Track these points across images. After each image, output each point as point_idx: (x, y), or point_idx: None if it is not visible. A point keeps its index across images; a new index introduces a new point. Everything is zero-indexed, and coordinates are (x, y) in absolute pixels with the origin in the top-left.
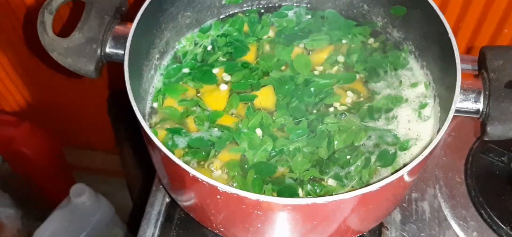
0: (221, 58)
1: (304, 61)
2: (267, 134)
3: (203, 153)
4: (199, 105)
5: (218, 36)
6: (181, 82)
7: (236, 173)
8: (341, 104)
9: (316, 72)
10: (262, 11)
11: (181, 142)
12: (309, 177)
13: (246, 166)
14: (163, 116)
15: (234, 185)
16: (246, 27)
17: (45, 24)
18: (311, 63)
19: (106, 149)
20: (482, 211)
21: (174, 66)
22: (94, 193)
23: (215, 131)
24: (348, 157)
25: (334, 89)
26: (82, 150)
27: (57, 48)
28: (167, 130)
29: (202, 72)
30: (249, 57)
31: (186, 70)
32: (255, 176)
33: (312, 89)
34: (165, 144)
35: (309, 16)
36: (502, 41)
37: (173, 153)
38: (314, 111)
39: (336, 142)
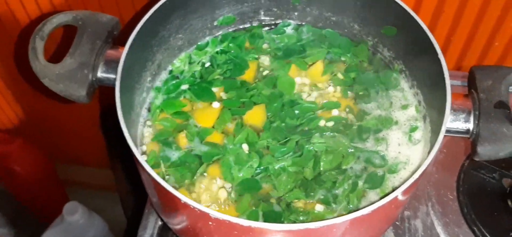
0: (219, 76)
1: (288, 82)
2: (253, 151)
3: (191, 168)
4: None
5: (217, 52)
6: (180, 98)
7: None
8: (328, 121)
9: (304, 94)
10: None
11: (174, 155)
12: (292, 200)
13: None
14: (157, 131)
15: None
16: (247, 44)
17: (37, 50)
18: (294, 85)
19: (99, 165)
20: (475, 228)
21: (173, 82)
22: (88, 211)
23: (203, 147)
24: (335, 180)
25: (317, 115)
26: (74, 166)
27: (48, 75)
28: (159, 141)
29: (201, 89)
30: (248, 75)
31: (184, 86)
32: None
33: (296, 111)
34: (156, 158)
35: (310, 34)
36: (493, 54)
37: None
38: (298, 131)
39: (322, 163)
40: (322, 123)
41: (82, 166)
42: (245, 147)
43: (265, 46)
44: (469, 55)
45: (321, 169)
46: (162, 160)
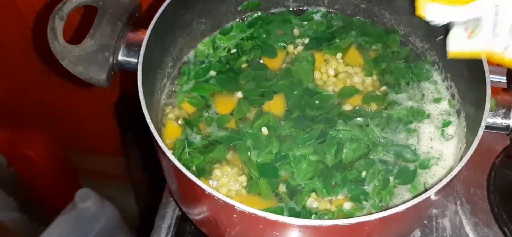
0: (245, 64)
1: (305, 71)
2: (274, 136)
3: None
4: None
5: (242, 39)
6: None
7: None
8: (354, 108)
9: (329, 85)
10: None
11: (196, 139)
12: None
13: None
14: (181, 114)
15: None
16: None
17: (56, 31)
18: (311, 74)
19: (112, 153)
20: (506, 229)
21: (203, 66)
22: (99, 198)
23: (222, 132)
24: (363, 172)
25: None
26: (87, 154)
27: (67, 56)
28: (183, 120)
29: (228, 79)
30: (275, 63)
31: (212, 72)
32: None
33: (316, 101)
34: (180, 142)
35: (339, 21)
36: None
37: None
38: (320, 120)
39: (345, 150)
40: (347, 107)
41: (96, 154)
42: (264, 130)
43: (295, 32)
44: None
45: (343, 157)
46: (187, 144)
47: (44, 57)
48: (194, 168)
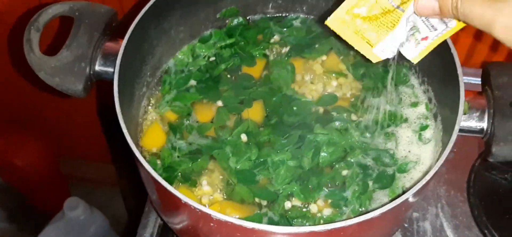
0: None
1: (283, 77)
2: (253, 142)
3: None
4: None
5: (221, 47)
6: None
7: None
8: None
9: (306, 90)
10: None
11: (182, 145)
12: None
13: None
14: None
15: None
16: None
17: (32, 42)
18: (291, 81)
19: (102, 159)
20: (486, 231)
21: (183, 75)
22: (89, 207)
23: (203, 140)
24: (340, 176)
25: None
26: (77, 161)
27: (44, 68)
28: (169, 125)
29: (208, 88)
30: (255, 71)
31: (193, 81)
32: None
33: (294, 108)
34: (167, 149)
35: (318, 27)
36: (503, 49)
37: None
38: (297, 126)
39: (322, 154)
40: (325, 112)
41: (85, 160)
42: (243, 137)
43: (276, 38)
44: (477, 51)
45: (320, 160)
46: (173, 149)
47: (20, 69)
48: (179, 174)
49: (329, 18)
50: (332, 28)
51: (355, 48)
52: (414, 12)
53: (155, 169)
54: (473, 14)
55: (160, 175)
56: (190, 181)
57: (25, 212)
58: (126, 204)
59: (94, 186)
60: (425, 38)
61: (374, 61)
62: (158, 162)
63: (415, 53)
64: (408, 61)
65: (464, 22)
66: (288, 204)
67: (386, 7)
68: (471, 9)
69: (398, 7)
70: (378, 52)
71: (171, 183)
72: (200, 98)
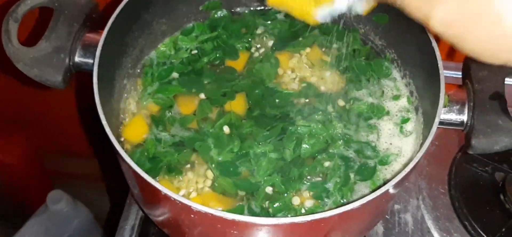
0: (209, 66)
1: (266, 70)
2: (235, 135)
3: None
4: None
5: (204, 41)
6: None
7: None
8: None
9: (291, 83)
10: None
11: (166, 137)
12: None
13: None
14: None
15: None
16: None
17: (10, 33)
18: (274, 73)
19: (85, 154)
20: (466, 223)
21: (165, 67)
22: (72, 200)
23: (186, 132)
24: (322, 167)
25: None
26: (60, 156)
27: (22, 59)
28: (151, 117)
29: (191, 81)
30: (238, 64)
31: (175, 74)
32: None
33: (276, 100)
34: (151, 140)
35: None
36: None
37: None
38: (279, 118)
39: (304, 145)
40: (307, 104)
41: (69, 156)
42: (226, 129)
43: (259, 31)
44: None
45: (302, 152)
46: (158, 141)
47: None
48: (165, 165)
49: None
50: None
51: (293, 13)
52: None
53: (138, 160)
54: (411, 5)
55: (144, 166)
56: (176, 171)
57: (9, 207)
58: (110, 198)
59: (78, 181)
60: None
61: (311, 24)
62: (141, 153)
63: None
64: (390, 54)
65: (402, 11)
66: (269, 191)
67: None
68: (410, 0)
69: None
70: (319, 14)
71: (156, 174)
72: (183, 91)
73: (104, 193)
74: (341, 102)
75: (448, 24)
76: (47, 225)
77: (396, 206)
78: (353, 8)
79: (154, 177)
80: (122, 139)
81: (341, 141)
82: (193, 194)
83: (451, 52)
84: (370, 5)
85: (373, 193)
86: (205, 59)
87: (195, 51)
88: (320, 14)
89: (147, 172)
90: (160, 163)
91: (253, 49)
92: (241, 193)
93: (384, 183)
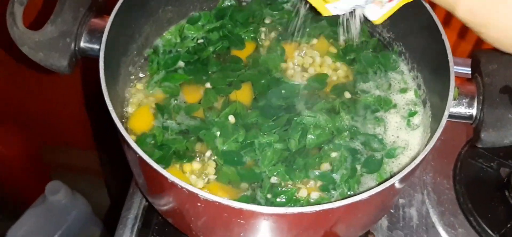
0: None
1: (272, 60)
2: (241, 124)
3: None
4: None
5: (209, 30)
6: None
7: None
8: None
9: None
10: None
11: (173, 125)
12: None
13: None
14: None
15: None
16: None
17: (15, 16)
18: (280, 63)
19: (85, 146)
20: (471, 218)
21: (171, 55)
22: (70, 191)
23: (191, 121)
24: (328, 158)
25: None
26: (59, 147)
27: (27, 42)
28: (156, 106)
29: (197, 70)
30: (244, 54)
31: (181, 63)
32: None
33: (282, 91)
34: (158, 128)
35: (308, 11)
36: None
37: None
38: (285, 109)
39: (309, 136)
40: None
41: (68, 147)
42: (231, 118)
43: (266, 21)
44: (467, 39)
45: (307, 142)
46: (165, 129)
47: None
48: (174, 153)
49: None
50: None
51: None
52: None
53: (147, 149)
54: None
55: (154, 154)
56: (186, 157)
57: (7, 198)
58: (109, 191)
59: (77, 173)
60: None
61: (324, 14)
62: (149, 140)
63: (379, 15)
64: (398, 46)
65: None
66: (274, 181)
67: None
68: None
69: None
70: (331, 8)
71: (168, 162)
72: (190, 79)
73: (102, 186)
74: (347, 94)
75: (473, 13)
76: (45, 216)
77: (401, 200)
78: (365, 13)
79: (166, 166)
80: (127, 128)
81: (347, 132)
82: (199, 184)
83: (456, 47)
84: (382, 14)
85: (381, 185)
86: (211, 49)
87: (201, 40)
88: (334, 7)
89: (158, 160)
90: (169, 150)
91: (259, 39)
92: (245, 184)
93: (391, 176)
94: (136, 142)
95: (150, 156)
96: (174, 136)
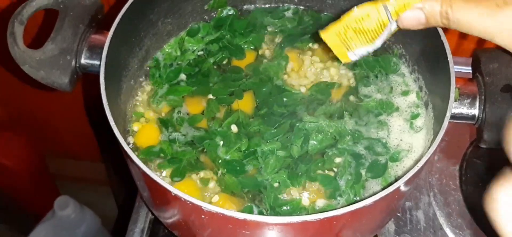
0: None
1: (273, 68)
2: (243, 133)
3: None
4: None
5: (210, 42)
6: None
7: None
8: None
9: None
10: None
11: (179, 137)
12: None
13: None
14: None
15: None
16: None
17: (16, 35)
18: (282, 69)
19: (91, 158)
20: (479, 219)
21: (173, 68)
22: (79, 205)
23: (196, 132)
24: (331, 163)
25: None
26: (65, 159)
27: (28, 61)
28: (159, 120)
29: (199, 82)
30: (245, 63)
31: (183, 76)
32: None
33: (284, 99)
34: (165, 142)
35: (309, 18)
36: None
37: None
38: (287, 116)
39: (311, 141)
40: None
41: (74, 159)
42: (234, 128)
43: (269, 29)
44: (469, 38)
45: (309, 148)
46: (171, 142)
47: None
48: (186, 164)
49: (325, 32)
50: (325, 40)
51: (331, 49)
52: (397, 26)
53: (158, 164)
54: (470, 24)
55: (165, 167)
56: (198, 168)
57: (15, 211)
58: (116, 202)
59: (84, 185)
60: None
61: (343, 62)
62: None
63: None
64: (398, 49)
65: (456, 29)
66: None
67: (380, 21)
68: (468, 20)
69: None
70: (351, 56)
71: (183, 174)
72: (193, 90)
73: (109, 196)
74: (352, 98)
75: None
76: (55, 231)
77: (407, 203)
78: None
79: (181, 178)
80: (131, 142)
81: (349, 136)
82: (217, 189)
83: (458, 47)
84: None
85: (385, 190)
86: (211, 60)
87: (201, 52)
88: (354, 55)
89: (172, 174)
90: (181, 162)
91: (260, 49)
92: (250, 192)
93: (396, 180)
94: (141, 154)
95: (163, 170)
96: (183, 147)
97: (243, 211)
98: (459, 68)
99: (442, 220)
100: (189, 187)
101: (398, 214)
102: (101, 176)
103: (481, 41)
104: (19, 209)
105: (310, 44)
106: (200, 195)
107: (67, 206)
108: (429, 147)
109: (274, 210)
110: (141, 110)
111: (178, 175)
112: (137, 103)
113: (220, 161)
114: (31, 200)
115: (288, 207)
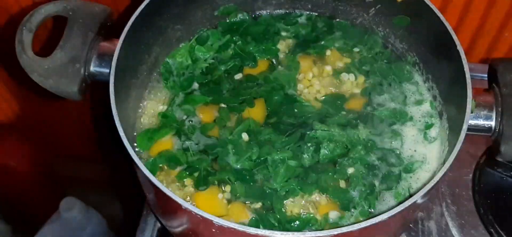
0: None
1: (285, 76)
2: (254, 141)
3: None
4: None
5: (220, 48)
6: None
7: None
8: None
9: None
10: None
11: (192, 145)
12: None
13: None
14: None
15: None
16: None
17: (24, 43)
18: (295, 79)
19: (96, 160)
20: (492, 230)
21: (186, 77)
22: (85, 207)
23: (208, 140)
24: (349, 171)
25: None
26: (71, 161)
27: (37, 69)
28: (176, 130)
29: (211, 91)
30: (257, 71)
31: (195, 84)
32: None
33: (295, 110)
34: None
35: (322, 24)
36: (502, 45)
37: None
38: (297, 125)
39: (323, 150)
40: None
41: (79, 161)
42: (245, 136)
43: (283, 34)
44: (477, 47)
45: (320, 157)
46: (184, 149)
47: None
48: (204, 173)
49: None
50: None
51: None
52: None
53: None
54: None
55: (182, 177)
56: (216, 175)
57: (20, 213)
58: (122, 204)
59: (89, 186)
60: None
61: None
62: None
63: None
64: (412, 57)
65: None
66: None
67: None
68: None
69: None
70: None
71: (206, 183)
72: (209, 100)
73: (115, 198)
74: (363, 109)
75: None
76: (60, 233)
77: (420, 214)
78: None
79: (206, 187)
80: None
81: (361, 145)
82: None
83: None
84: None
85: (401, 204)
86: (223, 68)
87: (212, 60)
88: None
89: (197, 184)
90: (197, 170)
91: (273, 57)
92: (258, 204)
93: (410, 193)
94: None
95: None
96: (198, 155)
97: (249, 224)
98: (474, 74)
99: (454, 231)
100: (212, 195)
101: (410, 225)
102: (107, 178)
103: (492, 46)
104: (24, 211)
105: (323, 50)
106: (219, 203)
107: (73, 208)
108: (445, 159)
109: (284, 223)
110: (149, 118)
111: (202, 184)
112: (145, 110)
113: (230, 170)
114: (36, 202)
115: (297, 223)
